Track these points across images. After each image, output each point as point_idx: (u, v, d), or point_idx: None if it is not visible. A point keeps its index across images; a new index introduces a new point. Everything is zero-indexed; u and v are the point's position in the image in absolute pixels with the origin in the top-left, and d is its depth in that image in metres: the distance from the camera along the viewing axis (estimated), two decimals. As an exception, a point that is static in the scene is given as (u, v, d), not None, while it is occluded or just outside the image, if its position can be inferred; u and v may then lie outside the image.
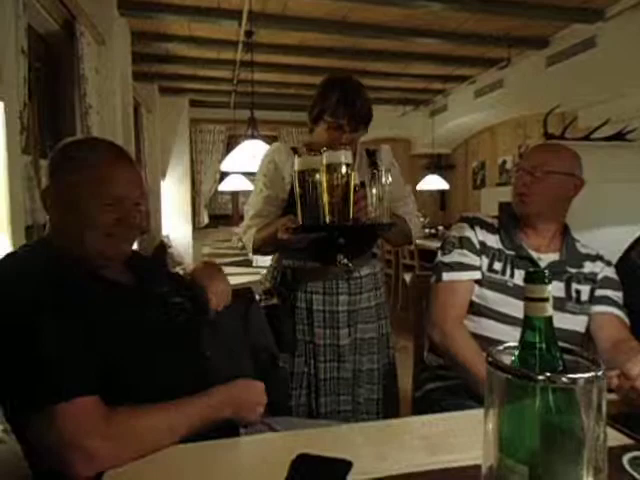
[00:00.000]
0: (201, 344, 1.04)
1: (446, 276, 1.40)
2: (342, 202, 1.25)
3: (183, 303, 1.07)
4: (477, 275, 1.39)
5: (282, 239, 1.34)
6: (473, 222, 1.47)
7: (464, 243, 1.42)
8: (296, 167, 1.29)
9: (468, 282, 1.38)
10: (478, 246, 1.43)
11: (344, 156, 1.26)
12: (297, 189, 1.28)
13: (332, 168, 1.25)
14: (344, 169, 1.25)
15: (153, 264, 1.20)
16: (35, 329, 0.79)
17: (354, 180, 1.27)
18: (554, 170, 1.37)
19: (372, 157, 1.64)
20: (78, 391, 0.78)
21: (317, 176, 1.25)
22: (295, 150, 1.57)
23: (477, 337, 1.35)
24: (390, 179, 1.32)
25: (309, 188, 1.26)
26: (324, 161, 1.26)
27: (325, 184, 1.25)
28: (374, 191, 1.30)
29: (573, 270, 1.41)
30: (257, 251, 1.60)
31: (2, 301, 0.83)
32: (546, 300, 0.56)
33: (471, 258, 1.40)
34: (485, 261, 1.41)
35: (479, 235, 1.44)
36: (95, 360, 0.83)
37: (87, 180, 0.95)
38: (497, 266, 1.40)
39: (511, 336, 0.61)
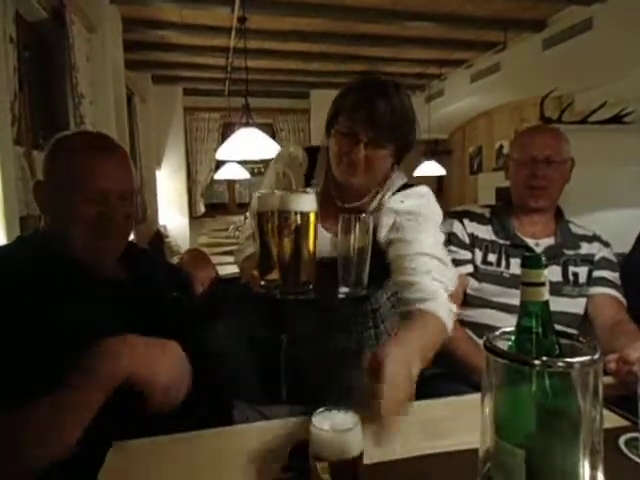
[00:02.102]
0: (196, 339, 1.03)
1: None
2: (292, 261, 0.93)
3: (180, 298, 1.06)
4: (469, 269, 1.40)
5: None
6: (461, 215, 1.47)
7: (452, 240, 1.42)
8: (252, 206, 0.99)
9: (460, 277, 1.38)
10: (468, 239, 1.43)
11: (303, 202, 0.92)
12: (255, 232, 0.98)
13: (283, 216, 0.92)
14: (297, 218, 0.91)
15: (149, 257, 1.19)
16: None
17: (311, 233, 0.93)
18: (566, 157, 1.37)
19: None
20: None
21: (273, 222, 0.93)
22: (312, 151, 1.27)
23: (477, 325, 1.36)
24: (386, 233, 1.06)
25: (265, 235, 0.96)
26: (276, 205, 0.93)
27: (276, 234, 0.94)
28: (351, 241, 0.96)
29: (570, 252, 1.41)
30: None
31: None
32: (542, 285, 0.56)
33: (460, 253, 1.41)
34: (479, 254, 1.41)
35: (468, 228, 1.44)
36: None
37: (71, 173, 0.94)
38: (492, 258, 1.40)
39: (511, 323, 0.61)
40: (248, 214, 1.39)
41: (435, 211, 1.17)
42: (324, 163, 1.23)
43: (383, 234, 1.14)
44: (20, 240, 1.02)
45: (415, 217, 1.13)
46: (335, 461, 0.60)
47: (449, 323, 1.04)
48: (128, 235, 1.06)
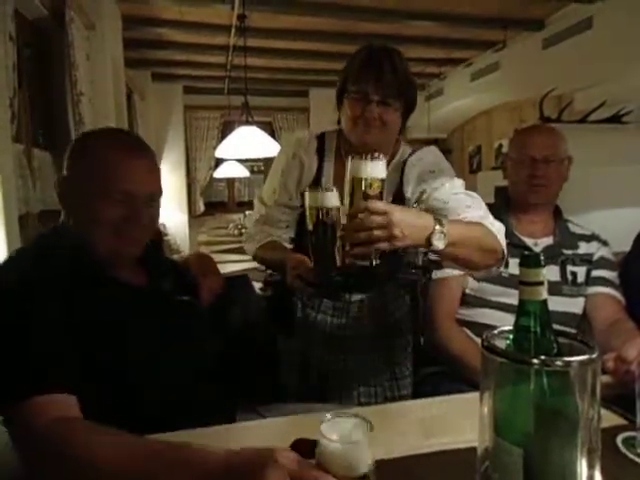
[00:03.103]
0: (205, 342, 1.03)
1: (436, 274, 1.41)
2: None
3: (192, 302, 1.06)
4: None
5: (291, 285, 1.11)
6: None
7: None
8: (307, 202, 1.01)
9: (459, 276, 1.38)
10: None
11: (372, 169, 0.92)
12: (309, 227, 1.01)
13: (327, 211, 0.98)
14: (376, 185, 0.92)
15: (163, 259, 1.16)
16: (25, 318, 0.78)
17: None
18: (564, 156, 1.37)
19: (401, 175, 1.25)
20: (53, 386, 0.74)
21: (331, 215, 0.98)
22: (323, 139, 1.30)
23: (475, 325, 1.36)
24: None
25: (322, 230, 0.99)
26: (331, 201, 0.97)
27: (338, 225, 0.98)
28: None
29: (568, 252, 1.41)
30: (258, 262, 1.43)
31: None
32: (541, 284, 0.56)
33: None
34: None
35: None
36: (77, 360, 0.79)
37: (97, 172, 0.91)
38: None
39: (509, 323, 0.61)
40: (256, 201, 1.42)
41: (448, 162, 1.27)
42: (333, 143, 1.30)
43: (410, 188, 1.21)
44: (41, 238, 0.99)
45: (437, 168, 1.22)
46: (343, 476, 0.57)
47: (501, 236, 1.10)
48: (150, 238, 1.02)
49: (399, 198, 1.21)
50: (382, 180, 0.92)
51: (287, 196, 1.32)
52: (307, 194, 1.00)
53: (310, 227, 1.00)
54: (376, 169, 0.91)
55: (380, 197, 0.91)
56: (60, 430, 0.69)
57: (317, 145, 1.30)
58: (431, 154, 1.26)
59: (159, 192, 0.99)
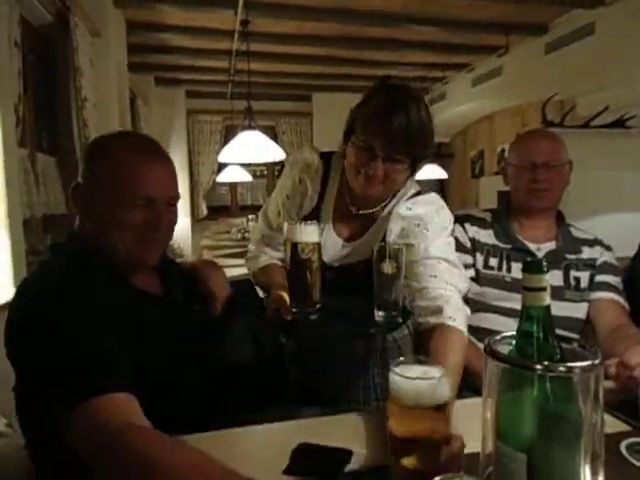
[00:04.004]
0: (217, 349, 1.04)
1: None
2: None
3: (204, 310, 1.06)
4: (470, 273, 1.39)
5: (269, 318, 1.11)
6: (462, 219, 1.47)
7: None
8: (285, 235, 0.99)
9: None
10: (469, 244, 1.43)
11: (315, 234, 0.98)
12: (287, 261, 1.00)
13: (304, 247, 0.97)
14: (315, 247, 0.98)
15: (176, 267, 1.16)
16: (66, 327, 0.77)
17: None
18: (564, 160, 1.38)
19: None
20: (112, 386, 0.73)
21: (306, 252, 0.97)
22: (326, 156, 1.26)
23: (478, 330, 1.36)
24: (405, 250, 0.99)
25: (300, 266, 0.98)
26: (310, 238, 0.97)
27: (316, 263, 0.98)
28: (384, 270, 0.97)
29: (571, 257, 1.41)
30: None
31: (32, 299, 0.82)
32: (544, 289, 0.56)
33: (461, 258, 1.40)
34: (480, 258, 1.41)
35: (470, 232, 1.44)
36: (127, 359, 0.79)
37: (117, 177, 0.90)
38: (493, 262, 1.40)
39: (512, 327, 0.61)
40: (260, 218, 1.40)
41: (444, 217, 1.17)
42: (338, 168, 1.24)
43: (391, 240, 1.15)
44: (55, 247, 0.98)
45: (423, 223, 1.14)
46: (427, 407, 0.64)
47: (465, 328, 1.06)
48: (169, 243, 1.02)
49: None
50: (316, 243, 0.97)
51: (289, 218, 1.28)
52: (286, 226, 0.98)
53: (289, 262, 0.98)
54: (308, 234, 0.96)
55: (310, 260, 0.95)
56: (134, 439, 0.66)
57: (322, 173, 1.25)
58: (424, 207, 1.17)
59: (177, 196, 0.99)
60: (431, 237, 1.12)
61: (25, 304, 0.82)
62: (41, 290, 0.83)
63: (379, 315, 0.99)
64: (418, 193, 1.21)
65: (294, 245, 0.96)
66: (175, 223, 0.99)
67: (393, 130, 1.02)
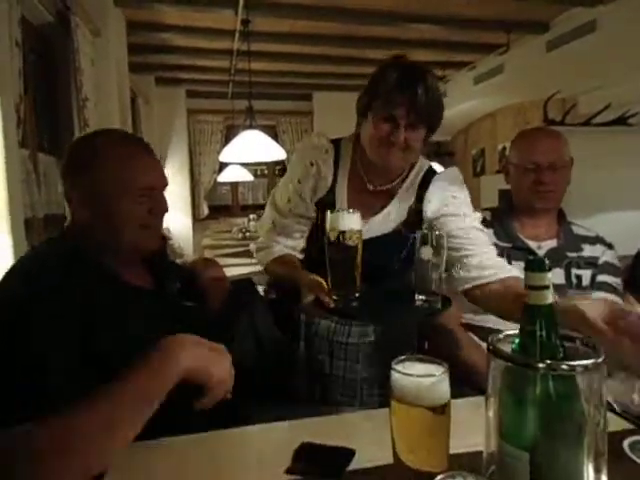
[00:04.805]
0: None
1: None
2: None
3: (196, 307, 1.06)
4: None
5: (307, 308, 1.14)
6: None
7: None
8: (327, 224, 1.03)
9: None
10: None
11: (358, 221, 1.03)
12: (327, 251, 1.04)
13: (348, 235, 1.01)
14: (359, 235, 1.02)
15: (169, 263, 1.18)
16: (24, 327, 0.77)
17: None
18: (567, 159, 1.38)
19: (420, 192, 1.25)
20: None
21: (354, 239, 1.01)
22: (338, 146, 1.29)
23: (480, 328, 1.36)
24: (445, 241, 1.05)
25: (343, 254, 1.01)
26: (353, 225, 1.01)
27: (360, 250, 1.02)
28: (425, 257, 1.02)
29: (572, 255, 1.41)
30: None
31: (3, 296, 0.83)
32: (546, 288, 0.56)
33: None
34: None
35: None
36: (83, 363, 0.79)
37: (115, 174, 0.92)
38: None
39: (514, 326, 0.61)
40: (268, 208, 1.40)
41: (467, 189, 1.30)
42: (349, 150, 1.28)
43: (431, 208, 1.23)
44: (50, 240, 0.99)
45: (461, 196, 1.25)
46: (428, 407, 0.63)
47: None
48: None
49: (415, 213, 1.23)
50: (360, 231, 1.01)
51: (304, 206, 1.29)
52: (328, 216, 1.01)
53: (330, 250, 1.01)
54: (353, 222, 1.00)
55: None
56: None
57: (334, 154, 1.28)
58: (456, 179, 1.28)
59: (167, 183, 1.04)
60: (469, 207, 1.24)
61: None
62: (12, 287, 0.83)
63: (419, 299, 1.04)
64: (430, 167, 1.29)
65: (341, 233, 1.00)
66: (168, 210, 1.03)
67: (416, 98, 1.09)
